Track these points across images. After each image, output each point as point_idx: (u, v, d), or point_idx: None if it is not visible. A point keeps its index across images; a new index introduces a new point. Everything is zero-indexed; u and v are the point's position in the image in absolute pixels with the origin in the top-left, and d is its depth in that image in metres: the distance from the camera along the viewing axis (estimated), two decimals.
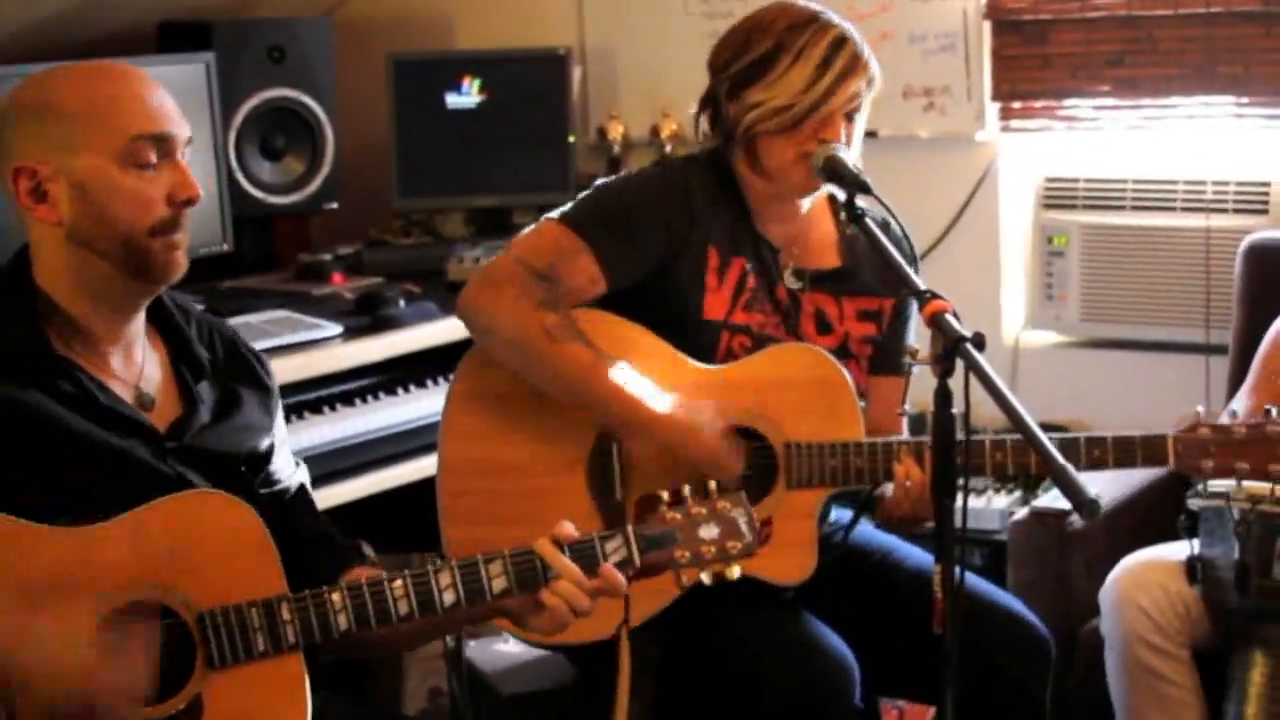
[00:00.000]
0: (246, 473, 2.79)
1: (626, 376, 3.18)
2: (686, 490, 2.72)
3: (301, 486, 2.93)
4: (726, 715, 3.21)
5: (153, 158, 2.60)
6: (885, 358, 3.46)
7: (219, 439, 2.76)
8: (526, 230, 3.36)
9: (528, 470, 3.29)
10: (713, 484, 2.73)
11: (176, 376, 2.78)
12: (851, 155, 3.25)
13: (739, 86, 3.30)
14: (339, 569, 2.82)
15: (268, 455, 2.85)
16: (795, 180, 3.31)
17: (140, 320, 2.73)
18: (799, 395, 3.25)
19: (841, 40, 3.26)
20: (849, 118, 3.28)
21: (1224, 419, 3.84)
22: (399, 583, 2.59)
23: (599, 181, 3.43)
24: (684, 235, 3.30)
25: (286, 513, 2.84)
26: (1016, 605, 3.42)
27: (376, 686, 4.48)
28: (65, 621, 2.46)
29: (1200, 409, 3.24)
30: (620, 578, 2.66)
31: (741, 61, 3.30)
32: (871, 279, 3.45)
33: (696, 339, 3.31)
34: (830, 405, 3.25)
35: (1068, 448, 3.13)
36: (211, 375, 2.81)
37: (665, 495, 2.71)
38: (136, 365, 2.73)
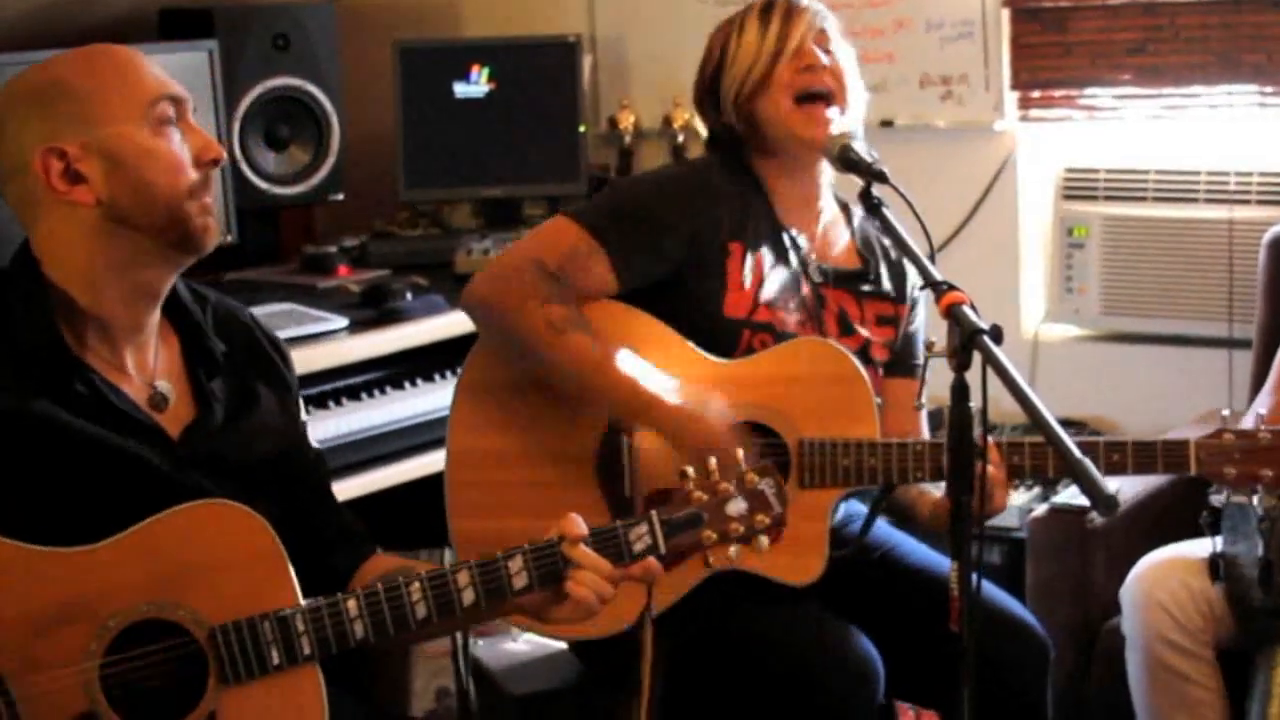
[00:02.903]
0: (261, 476, 2.73)
1: (632, 365, 3.15)
2: (713, 463, 2.65)
3: (322, 478, 2.89)
4: (747, 711, 3.17)
5: (172, 115, 2.57)
6: (898, 360, 3.45)
7: (233, 443, 2.70)
8: (541, 226, 3.34)
9: (536, 461, 3.26)
10: (741, 453, 2.69)
11: (190, 373, 2.71)
12: (855, 85, 3.35)
13: (714, 94, 3.39)
14: (356, 562, 2.79)
15: (284, 457, 2.79)
16: (800, 130, 3.30)
17: (156, 312, 2.67)
18: (814, 391, 3.21)
19: (770, 3, 3.35)
20: (825, 49, 3.33)
21: (1248, 422, 3.80)
22: (416, 586, 2.53)
23: (617, 179, 3.42)
24: (709, 239, 3.29)
25: (307, 506, 2.79)
26: (1015, 606, 3.39)
27: (383, 686, 4.44)
28: (64, 649, 2.41)
29: (1225, 413, 3.19)
30: (656, 566, 2.62)
31: (704, 76, 3.42)
32: (887, 282, 3.45)
33: (717, 337, 3.28)
34: (845, 403, 3.22)
35: (1086, 451, 3.08)
36: (226, 370, 2.74)
37: (691, 471, 2.64)
38: (150, 362, 2.67)
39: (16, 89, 2.59)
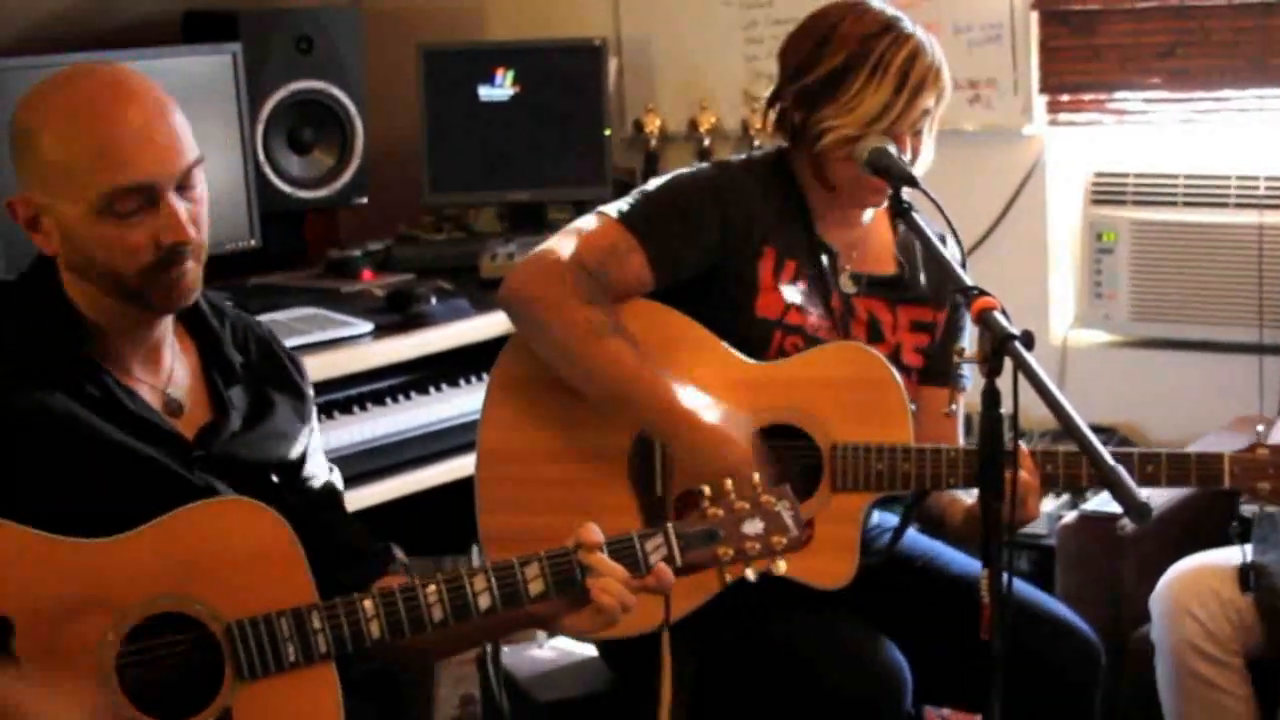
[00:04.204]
0: (277, 481, 2.75)
1: (666, 378, 3.13)
2: (729, 484, 2.67)
3: (334, 492, 2.89)
4: (772, 717, 3.16)
5: (132, 206, 2.49)
6: (935, 368, 3.41)
7: (249, 447, 2.72)
8: (579, 224, 3.29)
9: (568, 459, 3.26)
10: (756, 476, 2.70)
11: (207, 380, 2.73)
12: (919, 166, 3.22)
13: (811, 100, 3.24)
14: (370, 578, 2.77)
15: (300, 462, 2.81)
16: (858, 196, 3.28)
17: (167, 324, 2.68)
18: (848, 395, 3.20)
19: (916, 52, 3.20)
20: (915, 132, 3.24)
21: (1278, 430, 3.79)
22: (432, 588, 2.55)
23: (656, 179, 3.37)
24: (741, 237, 3.27)
25: (318, 520, 2.79)
26: (1064, 611, 3.37)
27: (407, 693, 4.43)
28: (81, 638, 2.42)
29: (1261, 429, 3.17)
30: (670, 575, 2.63)
31: (814, 74, 3.23)
32: (926, 288, 3.41)
33: (749, 337, 3.26)
34: (879, 407, 3.20)
35: (1119, 462, 3.06)
36: (244, 379, 2.76)
37: (707, 490, 2.67)
38: (165, 369, 2.68)
39: (16, 118, 2.56)
